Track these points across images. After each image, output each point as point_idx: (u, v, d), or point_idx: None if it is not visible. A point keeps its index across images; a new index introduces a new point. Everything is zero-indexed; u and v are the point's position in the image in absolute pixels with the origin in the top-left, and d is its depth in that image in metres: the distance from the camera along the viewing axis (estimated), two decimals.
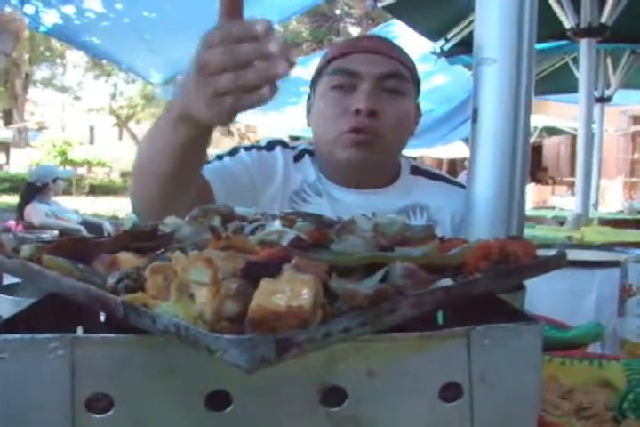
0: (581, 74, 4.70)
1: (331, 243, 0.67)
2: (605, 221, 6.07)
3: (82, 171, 24.84)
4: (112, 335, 0.54)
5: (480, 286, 0.63)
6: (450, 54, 5.94)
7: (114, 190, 22.68)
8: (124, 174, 25.67)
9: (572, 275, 3.48)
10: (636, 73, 6.51)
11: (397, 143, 1.59)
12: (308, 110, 1.64)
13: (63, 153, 22.51)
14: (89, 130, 32.32)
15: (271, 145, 1.66)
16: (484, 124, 1.62)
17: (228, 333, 0.45)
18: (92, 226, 7.00)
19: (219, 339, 0.44)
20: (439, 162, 21.20)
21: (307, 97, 1.68)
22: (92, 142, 30.10)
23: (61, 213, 6.75)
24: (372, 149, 1.50)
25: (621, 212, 7.72)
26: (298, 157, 1.65)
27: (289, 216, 0.76)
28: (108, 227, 7.16)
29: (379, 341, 0.55)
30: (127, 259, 0.65)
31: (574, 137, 12.02)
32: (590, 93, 4.95)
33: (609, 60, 6.51)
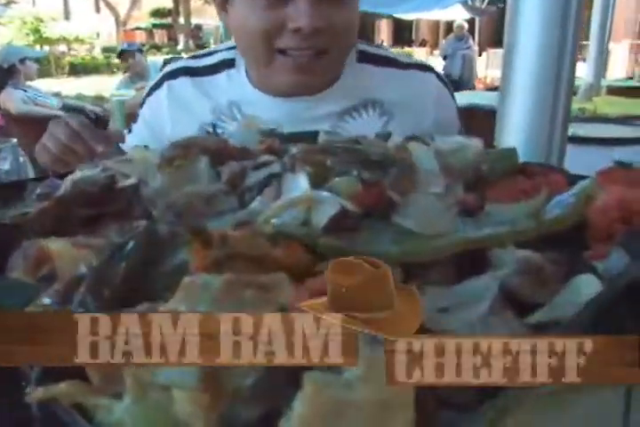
0: None
1: (391, 208, 0.43)
2: (614, 90, 5.80)
3: (62, 49, 23.71)
4: None
5: (630, 277, 0.40)
6: None
7: (96, 68, 21.76)
8: (106, 50, 24.58)
9: (589, 153, 3.24)
10: None
11: (345, 52, 1.31)
12: (221, 5, 1.30)
13: (36, 30, 21.25)
14: (62, 3, 30.51)
15: (171, 76, 1.41)
16: None
17: None
18: (75, 111, 6.65)
19: None
20: (435, 25, 20.20)
21: None
22: (67, 17, 28.51)
23: (39, 98, 6.36)
24: (316, 72, 1.24)
25: (630, 79, 7.44)
26: (208, 79, 1.39)
27: (314, 157, 0.50)
28: (91, 110, 6.79)
29: None
30: (63, 251, 0.40)
31: None
32: None
33: None
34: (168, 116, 1.39)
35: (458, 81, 8.97)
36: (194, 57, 1.54)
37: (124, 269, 0.37)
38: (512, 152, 0.58)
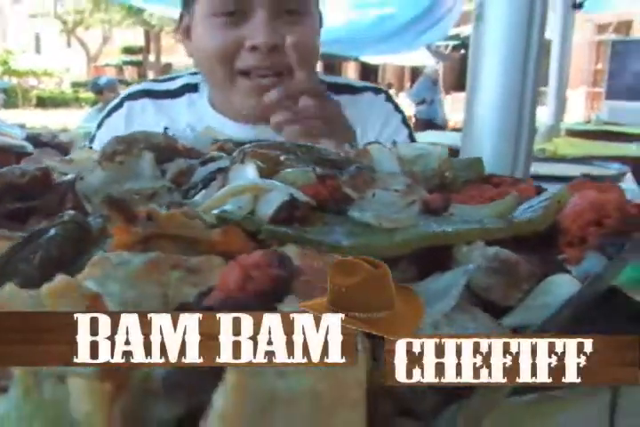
0: None
1: (348, 204, 0.40)
2: (573, 132, 5.98)
3: (32, 82, 23.66)
4: None
5: (608, 280, 0.37)
6: None
7: (65, 102, 21.72)
8: (75, 85, 24.58)
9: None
10: None
11: (307, 74, 1.26)
12: (185, 33, 1.29)
13: (4, 62, 21.18)
14: (34, 37, 30.55)
15: (131, 97, 1.39)
16: (493, 20, 1.34)
17: None
18: (38, 141, 6.57)
19: None
20: (401, 69, 20.65)
21: (179, 17, 1.32)
22: (37, 51, 28.52)
23: (3, 127, 6.27)
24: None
25: (588, 122, 7.69)
26: (169, 102, 1.38)
27: (266, 152, 0.46)
28: (57, 141, 6.71)
29: None
30: None
31: None
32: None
33: None
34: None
35: (440, 126, 9.04)
36: (155, 80, 1.54)
37: (38, 260, 0.32)
38: (477, 161, 0.55)
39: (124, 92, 1.48)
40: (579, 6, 6.46)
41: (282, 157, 0.45)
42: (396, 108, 1.42)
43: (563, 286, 0.35)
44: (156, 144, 0.50)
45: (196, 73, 1.40)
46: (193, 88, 1.38)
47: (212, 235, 0.33)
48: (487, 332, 0.33)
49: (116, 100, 1.42)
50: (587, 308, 0.34)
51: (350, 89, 1.41)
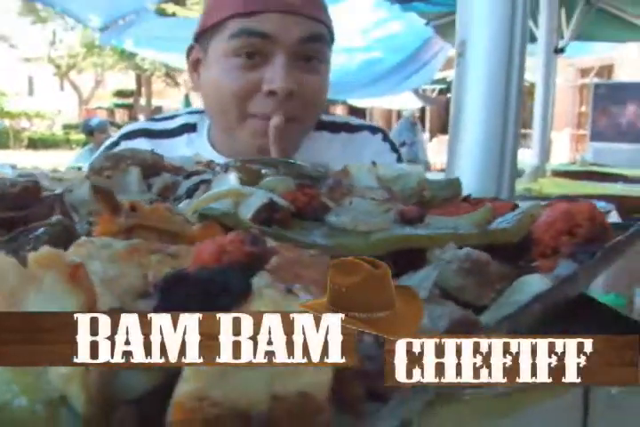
0: (542, 23, 4.58)
1: (326, 212, 0.41)
2: (559, 173, 6.06)
3: (24, 124, 23.86)
4: None
5: (580, 284, 0.38)
6: (403, 1, 5.68)
7: (56, 144, 21.88)
8: (66, 127, 24.79)
9: None
10: (588, 24, 6.38)
11: (313, 121, 1.31)
12: (193, 66, 1.29)
13: None
14: (27, 80, 30.91)
15: (128, 137, 1.37)
16: (474, 59, 1.37)
17: None
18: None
19: None
20: (388, 112, 20.98)
21: (187, 48, 1.30)
22: (30, 93, 28.83)
23: None
24: (284, 138, 1.20)
25: (573, 164, 7.81)
26: (167, 142, 1.36)
27: (248, 166, 0.48)
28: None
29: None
30: None
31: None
32: (550, 44, 4.92)
33: (563, 11, 6.38)
34: None
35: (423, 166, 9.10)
36: (153, 120, 1.50)
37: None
38: (456, 181, 0.57)
39: (121, 130, 1.46)
40: (560, 51, 6.66)
41: (263, 171, 0.47)
42: (392, 147, 1.43)
43: (534, 285, 0.36)
44: (143, 160, 0.52)
45: (193, 112, 1.40)
46: (192, 128, 1.37)
47: (192, 229, 0.35)
48: (456, 315, 0.34)
49: (113, 139, 1.40)
50: (559, 308, 0.35)
51: (348, 127, 1.42)
